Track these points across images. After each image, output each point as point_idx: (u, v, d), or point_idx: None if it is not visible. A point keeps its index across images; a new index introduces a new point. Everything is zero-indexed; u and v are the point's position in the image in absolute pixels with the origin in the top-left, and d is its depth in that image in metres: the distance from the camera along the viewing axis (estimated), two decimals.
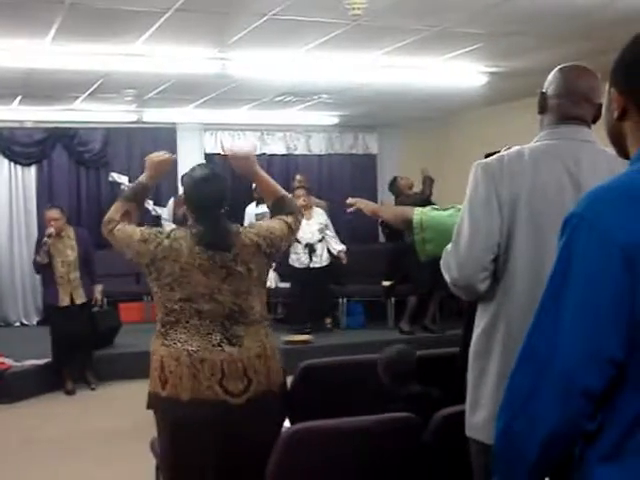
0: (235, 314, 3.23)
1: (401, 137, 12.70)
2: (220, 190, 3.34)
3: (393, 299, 9.86)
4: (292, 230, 3.46)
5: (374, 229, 11.90)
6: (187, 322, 3.19)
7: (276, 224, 3.42)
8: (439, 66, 8.00)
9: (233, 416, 3.16)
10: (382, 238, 12.15)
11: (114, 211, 3.39)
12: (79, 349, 7.70)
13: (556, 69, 2.62)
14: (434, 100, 9.99)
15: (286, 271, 9.52)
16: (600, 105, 2.56)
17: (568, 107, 2.53)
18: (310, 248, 9.30)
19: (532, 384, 1.43)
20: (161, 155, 3.56)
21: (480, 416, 2.46)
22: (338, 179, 12.58)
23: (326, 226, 9.54)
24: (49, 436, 6.32)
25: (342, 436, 3.01)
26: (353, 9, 5.50)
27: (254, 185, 10.67)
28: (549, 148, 2.49)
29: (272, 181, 3.61)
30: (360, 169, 12.86)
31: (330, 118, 11.70)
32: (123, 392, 7.60)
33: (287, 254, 9.35)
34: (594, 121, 2.56)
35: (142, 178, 3.52)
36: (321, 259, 9.41)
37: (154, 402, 3.27)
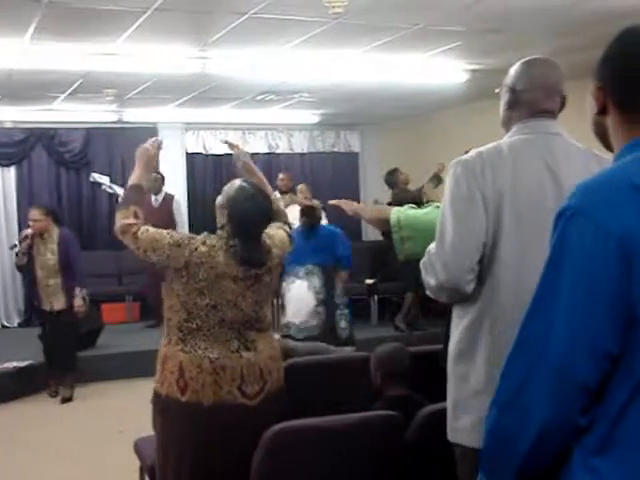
0: (252, 321, 3.31)
1: (383, 135, 12.72)
2: (265, 210, 3.36)
3: (376, 297, 9.86)
4: (290, 239, 3.58)
5: (357, 227, 11.92)
6: (209, 330, 3.22)
7: (282, 234, 3.53)
8: (420, 64, 8.01)
9: (251, 417, 3.22)
10: (366, 236, 12.20)
11: (124, 217, 3.35)
12: (58, 356, 7.49)
13: (521, 63, 2.58)
14: (415, 98, 10.00)
15: None
16: (565, 97, 2.57)
17: (540, 101, 2.50)
18: None
19: (525, 375, 1.43)
20: (150, 147, 3.57)
21: (465, 420, 2.42)
22: (320, 177, 12.59)
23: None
24: (31, 438, 6.28)
25: (325, 435, 3.00)
26: (333, 7, 5.51)
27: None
28: (526, 143, 2.46)
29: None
30: (342, 167, 12.88)
31: (312, 116, 11.70)
32: (106, 393, 7.57)
33: None
34: (558, 113, 2.56)
35: (133, 180, 3.50)
36: None
37: (169, 405, 3.24)
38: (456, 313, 2.52)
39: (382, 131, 12.68)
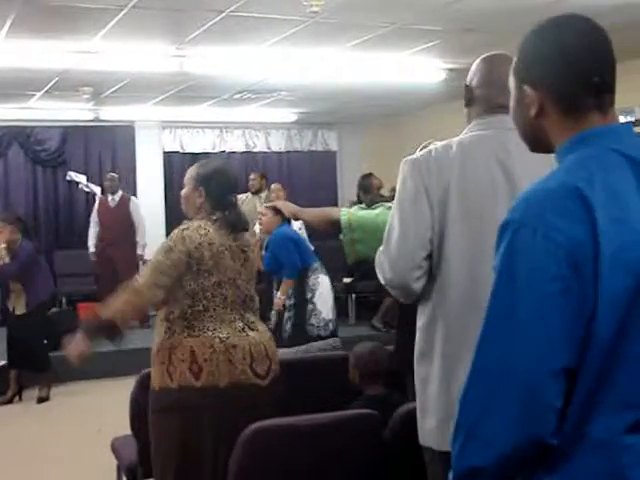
0: (247, 300, 3.39)
1: (360, 134, 12.73)
2: (234, 179, 3.60)
3: (354, 296, 9.87)
4: None
5: (327, 232, 11.90)
6: (214, 310, 3.26)
7: None
8: (397, 63, 8.02)
9: (263, 397, 3.27)
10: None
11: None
12: (29, 358, 7.39)
13: (478, 60, 2.57)
14: (393, 97, 10.02)
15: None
16: None
17: (494, 96, 2.46)
18: None
19: (487, 402, 1.37)
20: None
21: (429, 422, 2.39)
22: (298, 176, 12.58)
23: (300, 228, 9.48)
24: (7, 437, 6.24)
25: (302, 434, 3.00)
26: (311, 6, 5.51)
27: None
28: (478, 139, 2.43)
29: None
30: (320, 166, 12.87)
31: (289, 115, 11.70)
32: (83, 392, 7.53)
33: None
34: None
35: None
36: None
37: (182, 395, 3.19)
38: (417, 313, 2.51)
39: (360, 130, 12.69)
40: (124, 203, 10.05)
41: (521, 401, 1.34)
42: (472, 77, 2.55)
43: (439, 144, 2.50)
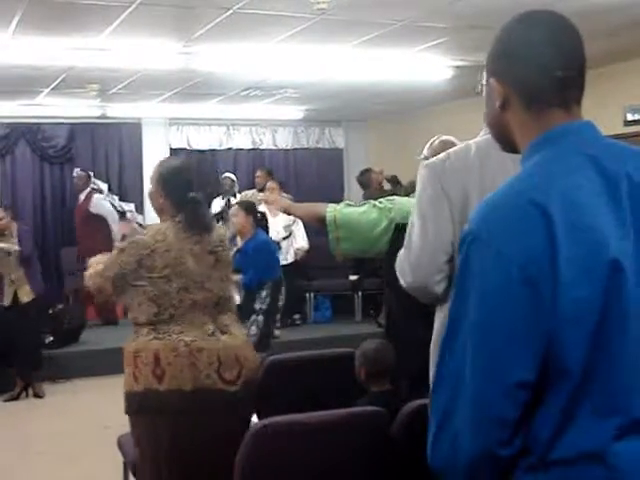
0: (222, 302, 3.33)
1: (367, 131, 12.72)
2: (191, 178, 3.55)
3: (360, 293, 9.87)
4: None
5: (317, 228, 11.90)
6: (182, 315, 3.21)
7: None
8: (405, 60, 8.01)
9: (230, 404, 3.23)
10: None
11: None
12: (22, 352, 7.36)
13: None
14: (400, 94, 10.00)
15: None
16: None
17: None
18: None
19: (448, 406, 1.38)
20: None
21: None
22: (304, 174, 12.57)
23: (294, 222, 9.45)
24: (14, 434, 6.26)
25: (309, 431, 3.00)
26: (318, 3, 5.50)
27: (221, 177, 10.75)
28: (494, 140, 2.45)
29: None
30: (326, 163, 12.85)
31: (296, 112, 11.69)
32: (90, 389, 7.55)
33: None
34: None
35: None
36: (286, 256, 9.35)
37: (147, 399, 3.20)
38: (436, 312, 2.52)
39: (367, 127, 12.68)
40: (87, 199, 10.13)
41: (473, 412, 1.34)
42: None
43: (459, 146, 2.49)
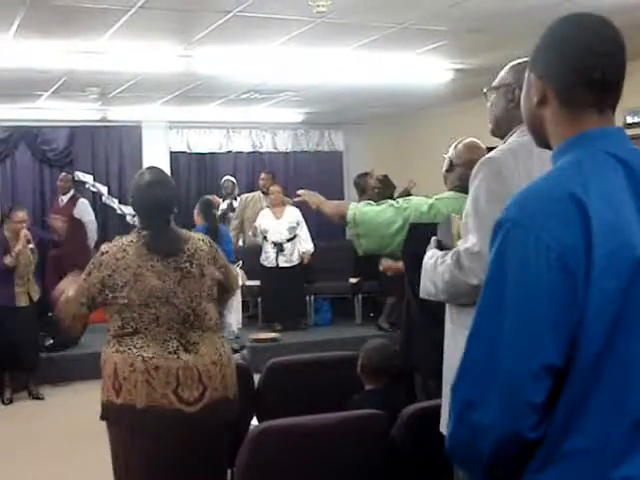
0: (190, 318, 3.21)
1: (367, 134, 12.73)
2: (169, 195, 3.36)
3: (360, 296, 9.87)
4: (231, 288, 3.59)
5: (340, 225, 11.89)
6: (145, 329, 3.16)
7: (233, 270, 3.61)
8: (404, 63, 8.02)
9: (187, 424, 3.14)
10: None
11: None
12: (27, 352, 7.38)
13: (518, 63, 2.57)
14: (400, 97, 10.01)
15: (257, 270, 9.47)
16: None
17: None
18: (278, 247, 9.26)
19: (474, 395, 1.40)
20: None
21: None
22: (304, 176, 12.56)
23: (298, 224, 9.48)
24: (11, 436, 6.25)
25: (309, 434, 3.00)
26: (317, 6, 5.51)
27: (222, 181, 10.78)
28: (530, 141, 2.46)
29: None
30: (326, 166, 12.85)
31: (296, 115, 11.69)
32: (88, 391, 7.53)
33: (258, 253, 9.38)
34: None
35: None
36: (290, 258, 9.36)
37: (108, 410, 3.22)
38: (464, 310, 2.49)
39: (366, 130, 12.69)
40: (71, 203, 10.11)
41: (501, 396, 1.36)
42: (517, 79, 2.50)
43: (514, 142, 2.48)
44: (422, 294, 2.63)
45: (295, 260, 9.40)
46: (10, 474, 5.41)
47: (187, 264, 3.23)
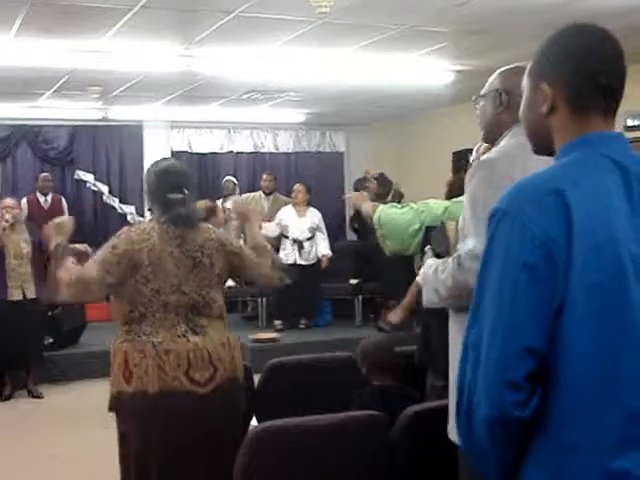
0: (199, 305, 3.27)
1: (368, 135, 12.73)
2: (186, 171, 3.57)
3: (361, 297, 9.86)
4: (267, 275, 3.54)
5: (341, 227, 11.90)
6: (153, 315, 3.19)
7: (251, 254, 3.49)
8: (406, 64, 8.02)
9: (200, 406, 3.17)
10: (350, 236, 12.17)
11: (66, 272, 3.22)
12: (27, 348, 7.32)
13: (508, 69, 2.62)
14: (401, 98, 10.01)
15: None
16: None
17: None
18: (299, 245, 9.29)
19: (470, 379, 1.48)
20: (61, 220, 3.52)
21: None
22: (305, 177, 12.53)
23: (318, 227, 9.52)
24: (17, 437, 6.26)
25: (309, 434, 3.00)
26: (319, 7, 5.51)
27: (223, 181, 10.79)
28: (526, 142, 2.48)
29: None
30: (327, 167, 12.86)
31: (297, 116, 11.70)
32: (89, 390, 7.54)
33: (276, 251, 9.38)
34: None
35: (52, 247, 3.35)
36: (309, 257, 9.39)
37: (119, 401, 3.23)
38: (460, 313, 2.50)
39: (368, 131, 12.69)
40: (56, 204, 10.14)
41: (489, 375, 1.44)
42: (504, 84, 2.58)
43: (510, 142, 2.49)
44: (426, 303, 2.62)
45: (312, 259, 9.44)
46: (8, 472, 5.42)
47: (198, 254, 3.30)
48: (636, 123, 8.07)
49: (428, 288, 2.59)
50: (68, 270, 3.19)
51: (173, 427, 3.15)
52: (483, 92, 2.70)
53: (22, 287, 7.21)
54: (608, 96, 1.59)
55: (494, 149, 2.57)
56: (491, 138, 2.69)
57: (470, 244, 2.44)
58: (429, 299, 2.59)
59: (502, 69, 2.66)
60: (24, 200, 10.06)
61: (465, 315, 2.43)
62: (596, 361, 1.42)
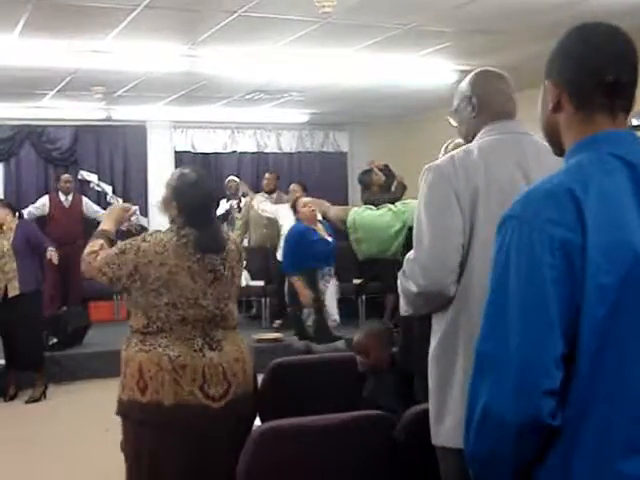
0: (216, 319, 3.25)
1: (372, 135, 12.72)
2: (213, 192, 3.49)
3: (364, 297, 9.85)
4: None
5: (343, 231, 11.87)
6: (170, 329, 3.17)
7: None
8: (409, 64, 8.02)
9: (214, 420, 3.18)
10: None
11: (90, 246, 3.32)
12: (19, 347, 7.25)
13: (474, 74, 2.68)
14: (405, 98, 10.01)
15: (262, 271, 9.47)
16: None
17: (500, 104, 2.58)
18: None
19: (490, 395, 1.43)
20: (125, 206, 3.61)
21: (449, 422, 2.39)
22: (309, 177, 12.53)
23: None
24: (18, 438, 6.26)
25: (312, 435, 3.00)
26: (323, 7, 5.51)
27: (226, 181, 10.78)
28: (497, 142, 2.49)
29: None
30: (331, 167, 12.86)
31: (301, 116, 11.70)
32: (92, 391, 7.55)
33: (275, 251, 9.37)
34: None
35: (104, 228, 3.47)
36: None
37: (129, 408, 3.22)
38: (436, 317, 2.50)
39: (371, 131, 12.68)
40: (78, 203, 10.20)
41: (523, 387, 1.40)
42: (473, 88, 2.64)
43: (459, 150, 2.52)
44: (402, 312, 2.63)
45: None
46: (12, 472, 5.42)
47: (220, 266, 3.26)
48: None
49: (401, 296, 2.59)
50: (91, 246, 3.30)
51: (187, 439, 3.16)
52: (454, 106, 2.73)
53: (6, 286, 7.08)
54: (615, 93, 1.57)
55: (456, 150, 2.58)
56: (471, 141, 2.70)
57: (412, 250, 2.47)
58: (402, 307, 2.60)
59: (471, 73, 2.71)
60: (45, 198, 10.24)
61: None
62: (608, 363, 1.40)
